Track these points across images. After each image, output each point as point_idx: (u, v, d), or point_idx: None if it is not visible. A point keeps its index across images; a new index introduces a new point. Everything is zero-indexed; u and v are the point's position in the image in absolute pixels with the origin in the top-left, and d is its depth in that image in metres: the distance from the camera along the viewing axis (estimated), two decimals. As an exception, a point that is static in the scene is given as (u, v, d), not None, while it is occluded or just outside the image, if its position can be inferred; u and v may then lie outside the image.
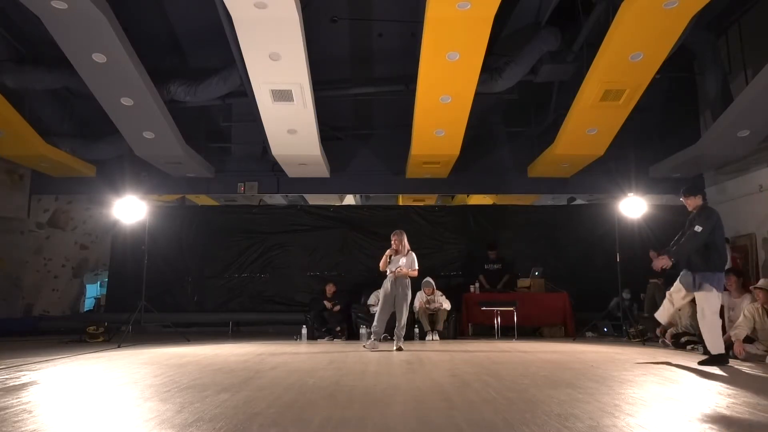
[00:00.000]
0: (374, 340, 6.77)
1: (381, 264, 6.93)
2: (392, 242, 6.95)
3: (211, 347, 7.13)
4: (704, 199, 5.44)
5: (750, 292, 6.05)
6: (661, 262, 5.24)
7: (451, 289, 9.43)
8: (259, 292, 10.50)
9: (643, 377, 4.26)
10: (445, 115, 7.68)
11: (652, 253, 8.71)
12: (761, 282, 5.78)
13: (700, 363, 5.05)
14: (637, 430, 2.57)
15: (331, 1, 8.05)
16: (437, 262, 10.56)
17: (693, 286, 5.17)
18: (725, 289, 6.23)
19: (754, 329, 5.59)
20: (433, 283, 8.77)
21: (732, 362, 5.29)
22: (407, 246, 6.99)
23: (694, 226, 5.13)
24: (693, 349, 6.24)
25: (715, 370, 4.77)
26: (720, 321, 5.13)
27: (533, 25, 8.21)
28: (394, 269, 6.82)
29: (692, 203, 5.39)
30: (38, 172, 9.87)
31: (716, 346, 5.02)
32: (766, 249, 8.41)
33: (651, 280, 8.64)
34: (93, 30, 6.19)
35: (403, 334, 6.90)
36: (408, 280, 6.89)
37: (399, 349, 6.57)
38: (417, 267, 6.96)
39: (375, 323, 6.87)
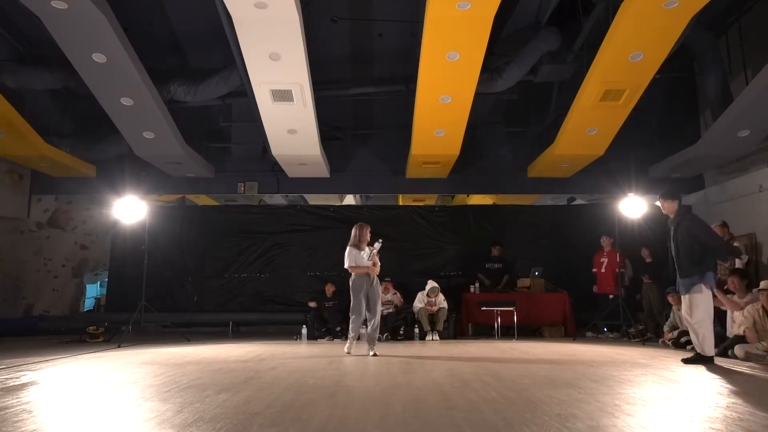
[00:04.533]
0: (350, 344, 6.23)
1: (354, 263, 6.16)
2: (360, 236, 6.25)
3: (211, 347, 7.13)
4: (680, 204, 5.54)
5: (752, 292, 6.05)
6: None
7: (451, 289, 9.43)
8: (259, 292, 10.49)
9: (643, 377, 4.26)
10: (445, 115, 7.68)
11: (644, 251, 8.79)
12: (763, 284, 5.77)
13: (685, 361, 5.14)
14: (637, 430, 2.57)
15: (331, 1, 8.05)
16: (437, 262, 10.57)
17: (685, 289, 5.23)
18: (731, 291, 6.26)
19: (754, 329, 5.60)
20: (439, 287, 8.79)
21: (732, 362, 5.32)
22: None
23: (699, 226, 5.26)
24: (693, 349, 6.23)
25: (715, 370, 4.78)
26: (712, 322, 5.19)
27: (533, 25, 8.21)
28: (366, 264, 6.16)
29: (669, 207, 5.51)
30: (38, 172, 9.87)
31: (708, 347, 5.09)
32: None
33: (645, 281, 8.66)
34: (93, 30, 6.19)
35: (377, 336, 6.34)
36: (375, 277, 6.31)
37: (374, 354, 5.97)
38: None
39: (351, 328, 6.22)
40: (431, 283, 8.83)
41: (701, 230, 5.27)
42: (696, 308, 5.10)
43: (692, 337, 5.32)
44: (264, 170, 10.12)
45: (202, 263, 10.59)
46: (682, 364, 5.09)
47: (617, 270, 8.75)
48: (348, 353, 6.09)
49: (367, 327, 6.25)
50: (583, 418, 2.79)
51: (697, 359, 5.11)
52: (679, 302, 6.82)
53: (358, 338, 6.47)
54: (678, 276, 5.33)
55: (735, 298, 6.17)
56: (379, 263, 6.28)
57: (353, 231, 6.32)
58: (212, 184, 10.32)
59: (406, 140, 8.70)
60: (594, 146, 8.52)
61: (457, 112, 7.61)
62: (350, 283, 6.23)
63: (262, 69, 6.67)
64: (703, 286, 5.09)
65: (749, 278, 6.46)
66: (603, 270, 9.09)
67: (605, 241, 9.16)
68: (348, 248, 6.24)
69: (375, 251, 6.22)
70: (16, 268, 9.97)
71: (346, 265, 6.23)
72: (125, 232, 9.82)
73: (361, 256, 6.19)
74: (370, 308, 6.20)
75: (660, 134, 9.83)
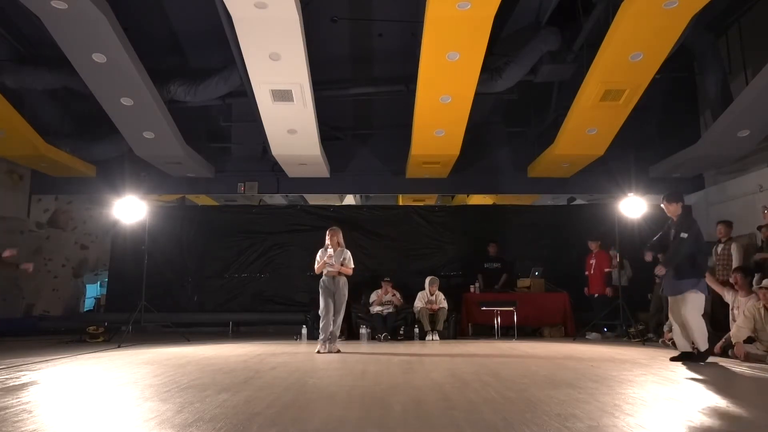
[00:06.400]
0: (323, 342, 6.27)
1: (317, 267, 6.44)
2: (327, 240, 6.48)
3: (211, 347, 7.13)
4: (683, 207, 5.61)
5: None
6: (660, 271, 5.52)
7: (451, 289, 9.43)
8: (259, 292, 10.50)
9: (643, 377, 4.26)
10: (445, 115, 7.68)
11: (647, 254, 8.78)
12: (765, 282, 5.77)
13: (673, 359, 5.33)
14: (637, 430, 2.57)
15: (331, 1, 8.05)
16: (437, 262, 10.58)
17: (680, 290, 5.32)
18: (733, 288, 6.31)
19: (754, 329, 5.59)
20: (438, 281, 8.80)
21: (732, 362, 5.33)
22: (342, 243, 6.58)
23: (680, 233, 5.35)
24: (693, 349, 6.23)
25: (715, 370, 4.78)
26: (703, 320, 5.34)
27: (533, 25, 8.21)
28: (330, 268, 6.38)
29: (673, 210, 5.56)
30: (38, 172, 9.87)
31: (703, 343, 5.24)
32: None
33: (658, 281, 8.64)
34: (93, 30, 6.19)
35: (338, 335, 6.55)
36: (344, 279, 6.47)
37: (338, 351, 6.26)
38: (352, 265, 6.52)
39: (321, 328, 6.33)
40: (430, 276, 8.87)
41: (702, 240, 5.48)
42: (694, 308, 5.23)
43: (675, 336, 5.51)
44: (264, 170, 10.12)
45: (202, 263, 10.60)
46: (680, 363, 5.12)
47: (605, 270, 8.90)
48: (318, 353, 6.16)
49: (332, 326, 6.41)
50: (583, 418, 2.79)
51: (698, 356, 5.19)
52: None
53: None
54: (672, 276, 5.38)
55: (738, 295, 6.20)
56: (351, 266, 6.51)
57: (328, 234, 6.54)
58: (212, 184, 10.33)
59: (406, 140, 8.70)
60: (594, 146, 8.52)
61: (457, 112, 7.62)
62: (320, 284, 6.47)
63: (262, 69, 6.68)
64: (698, 290, 5.24)
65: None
66: (592, 271, 9.17)
67: (592, 245, 9.23)
68: (320, 251, 6.53)
69: (341, 259, 6.44)
70: (16, 268, 9.96)
71: (318, 270, 6.51)
72: (125, 232, 9.82)
73: (330, 259, 6.41)
74: (336, 309, 6.42)
75: (660, 134, 9.83)
